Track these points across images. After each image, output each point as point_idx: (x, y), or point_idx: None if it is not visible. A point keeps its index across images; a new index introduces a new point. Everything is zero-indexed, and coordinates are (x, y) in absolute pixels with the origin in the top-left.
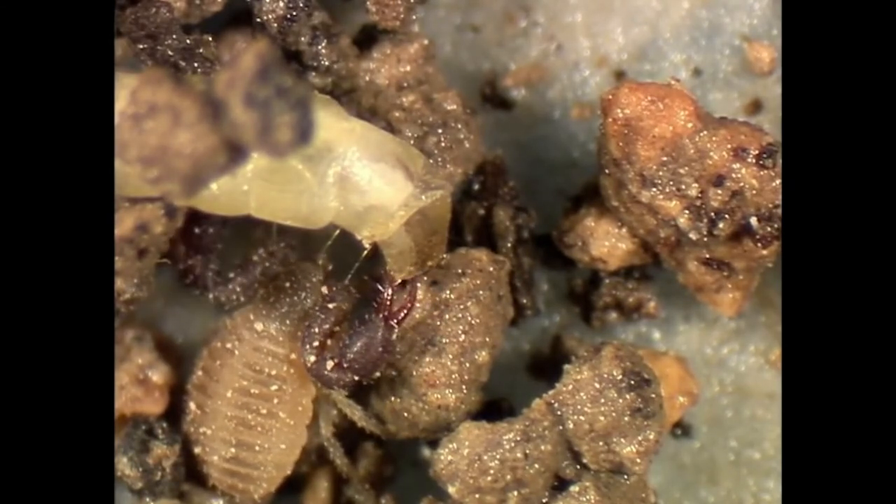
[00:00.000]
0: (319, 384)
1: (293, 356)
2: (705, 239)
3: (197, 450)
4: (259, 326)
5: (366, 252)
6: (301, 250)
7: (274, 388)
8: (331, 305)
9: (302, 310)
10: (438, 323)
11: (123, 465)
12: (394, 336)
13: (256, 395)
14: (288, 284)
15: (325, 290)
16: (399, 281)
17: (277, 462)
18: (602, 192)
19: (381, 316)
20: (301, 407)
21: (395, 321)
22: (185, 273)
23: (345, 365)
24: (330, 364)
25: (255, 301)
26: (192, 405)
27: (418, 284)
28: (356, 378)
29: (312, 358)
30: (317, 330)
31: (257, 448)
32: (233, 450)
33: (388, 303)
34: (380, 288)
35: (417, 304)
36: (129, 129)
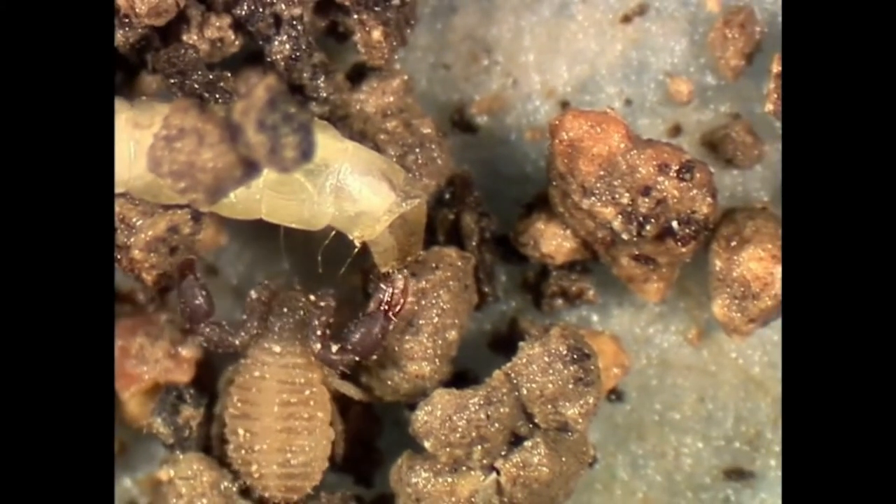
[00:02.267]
0: (326, 366)
1: (312, 358)
2: (635, 239)
3: (253, 468)
4: (277, 348)
5: (357, 249)
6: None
7: (307, 392)
8: (322, 304)
9: (301, 320)
10: (416, 308)
11: (158, 424)
12: (391, 326)
13: (296, 403)
14: (286, 309)
15: (313, 297)
16: (392, 278)
17: (322, 457)
18: (550, 201)
19: (381, 310)
20: (328, 405)
21: (393, 314)
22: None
23: (348, 347)
24: (334, 348)
25: (263, 333)
26: (240, 430)
27: (411, 284)
28: (357, 359)
29: (318, 346)
30: (316, 323)
31: (307, 448)
32: (288, 455)
33: (389, 300)
34: (383, 287)
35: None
36: (162, 148)
